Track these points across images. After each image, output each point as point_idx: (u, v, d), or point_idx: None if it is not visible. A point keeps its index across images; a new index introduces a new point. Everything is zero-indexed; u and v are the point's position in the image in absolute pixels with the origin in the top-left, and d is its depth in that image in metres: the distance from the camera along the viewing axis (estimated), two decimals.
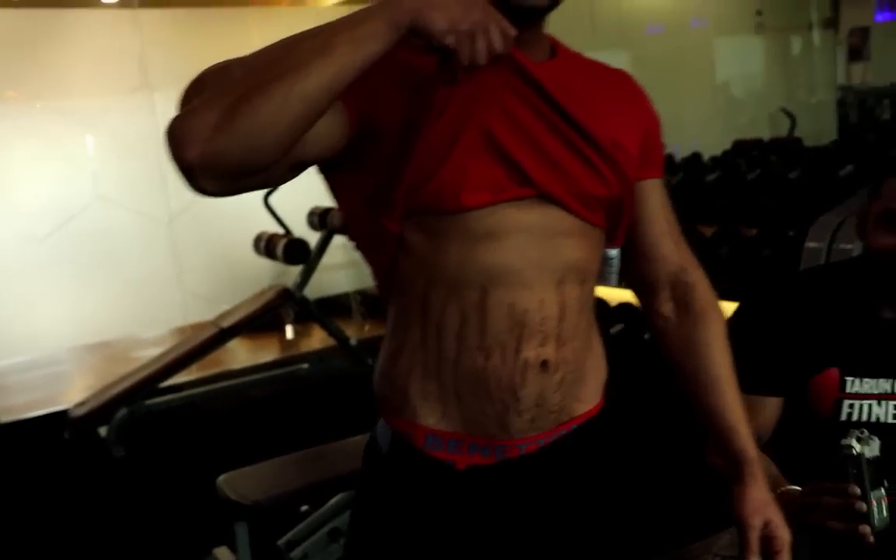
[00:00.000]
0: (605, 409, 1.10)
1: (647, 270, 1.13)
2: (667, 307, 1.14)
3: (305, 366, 4.09)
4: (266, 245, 4.19)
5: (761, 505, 1.07)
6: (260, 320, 3.97)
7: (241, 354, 4.60)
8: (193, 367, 4.03)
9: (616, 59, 7.50)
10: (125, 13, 5.06)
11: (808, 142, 5.54)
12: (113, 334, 5.81)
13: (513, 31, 0.86)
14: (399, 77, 0.93)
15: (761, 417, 1.43)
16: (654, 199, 1.11)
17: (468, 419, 0.99)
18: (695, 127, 7.16)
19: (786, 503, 1.24)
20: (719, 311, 1.14)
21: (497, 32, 0.84)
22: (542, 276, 0.96)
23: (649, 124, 1.10)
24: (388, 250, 0.98)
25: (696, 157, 5.01)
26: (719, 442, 1.12)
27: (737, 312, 1.55)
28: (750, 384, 1.44)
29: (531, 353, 0.96)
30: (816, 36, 7.94)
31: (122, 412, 3.72)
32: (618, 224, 1.04)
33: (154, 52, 4.85)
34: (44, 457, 3.73)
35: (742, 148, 5.42)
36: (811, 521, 1.21)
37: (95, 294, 5.59)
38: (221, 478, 2.38)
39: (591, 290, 1.04)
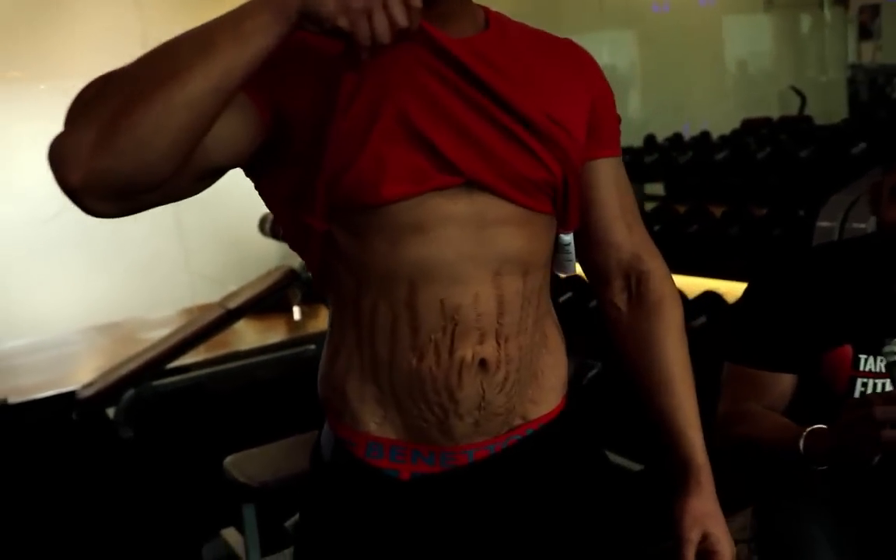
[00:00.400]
0: (566, 411, 1.03)
1: (598, 258, 1.06)
2: (619, 298, 1.07)
3: (313, 347, 4.08)
4: (272, 226, 4.18)
5: (702, 516, 0.99)
6: (267, 301, 3.95)
7: (248, 335, 4.59)
8: (201, 349, 4.03)
9: (623, 38, 7.45)
10: None
11: (819, 120, 5.49)
12: (121, 315, 5.82)
13: (418, 3, 0.79)
14: (311, 65, 0.87)
15: (774, 394, 1.41)
16: (606, 180, 1.02)
17: (409, 425, 0.93)
18: (703, 106, 7.11)
19: (815, 439, 1.23)
20: (676, 303, 1.07)
21: (398, 6, 0.77)
22: (476, 269, 0.90)
23: (598, 97, 1.01)
24: (316, 249, 0.93)
25: (704, 136, 4.98)
26: (667, 445, 1.05)
27: (749, 288, 1.52)
28: (762, 360, 1.42)
29: (467, 351, 0.90)
30: (827, 13, 7.84)
31: (130, 393, 3.72)
32: (566, 209, 0.97)
33: (156, 32, 4.82)
34: (52, 437, 3.74)
35: (751, 127, 5.37)
36: (854, 439, 1.18)
37: (103, 275, 5.60)
38: (229, 459, 2.38)
39: (540, 282, 0.97)
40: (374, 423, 0.94)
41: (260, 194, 0.95)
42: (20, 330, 5.79)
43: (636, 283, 1.05)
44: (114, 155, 0.73)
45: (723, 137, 4.96)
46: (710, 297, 3.76)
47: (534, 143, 0.90)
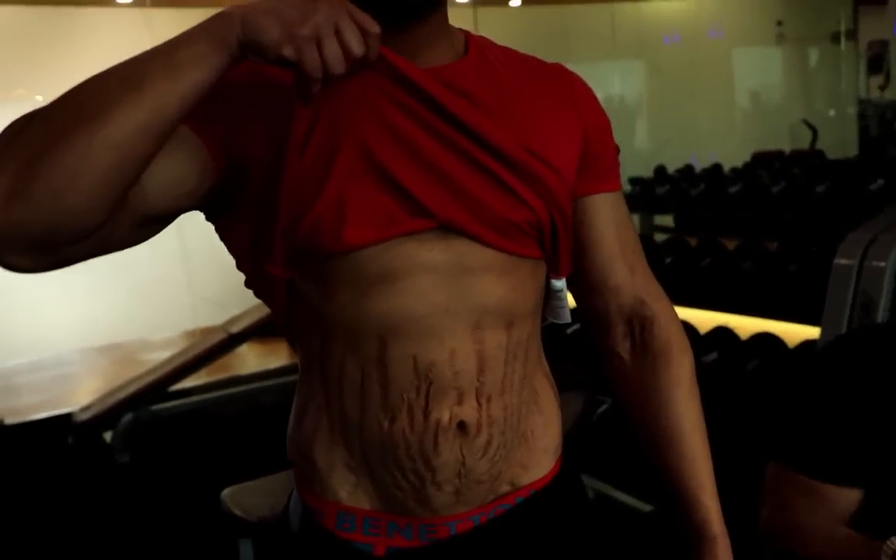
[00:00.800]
0: (561, 476, 0.93)
1: (597, 304, 0.96)
2: (621, 346, 0.96)
3: None
4: None
5: None
6: (270, 326, 3.89)
7: (250, 360, 4.53)
8: (202, 373, 3.96)
9: (634, 67, 7.43)
10: (137, 12, 5.02)
11: (831, 155, 5.44)
12: (122, 337, 5.77)
13: (375, 28, 0.71)
14: (263, 97, 0.79)
15: (836, 509, 1.18)
16: (604, 217, 0.92)
17: (383, 493, 0.84)
18: (713, 137, 7.07)
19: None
20: (684, 350, 0.96)
21: (352, 32, 0.69)
22: (453, 322, 0.81)
23: (592, 126, 0.90)
24: (281, 299, 0.84)
25: (716, 168, 4.93)
26: (678, 510, 0.94)
27: (804, 374, 1.30)
28: (824, 470, 1.18)
29: (444, 413, 0.81)
30: (839, 47, 7.82)
31: (128, 417, 3.65)
32: (556, 252, 0.87)
33: None
34: (48, 460, 3.67)
35: (762, 160, 5.33)
36: None
37: (105, 296, 5.55)
38: (226, 492, 2.30)
39: (528, 333, 0.87)
40: (345, 490, 0.85)
41: (221, 239, 0.86)
42: (20, 349, 5.74)
43: (640, 330, 0.96)
44: (30, 203, 0.64)
45: (735, 170, 4.91)
46: (722, 332, 3.69)
47: (512, 180, 0.81)
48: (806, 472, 1.20)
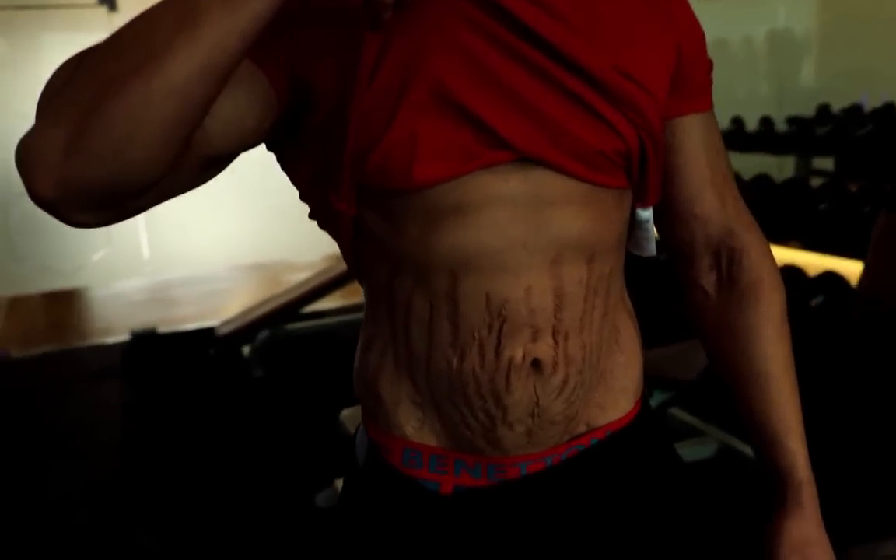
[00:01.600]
0: (640, 417, 0.87)
1: (683, 234, 0.88)
2: (707, 279, 0.89)
3: None
4: None
5: (802, 544, 0.84)
6: None
7: None
8: (336, 295, 4.08)
9: None
10: None
11: None
12: (268, 257, 6.04)
13: None
14: (330, 22, 0.73)
15: None
16: (694, 141, 0.85)
17: (451, 431, 0.80)
18: (888, 74, 6.45)
19: None
20: (775, 287, 0.88)
21: None
22: (530, 256, 0.74)
23: (686, 39, 0.82)
24: (346, 233, 0.79)
25: (888, 108, 4.49)
26: (763, 455, 0.88)
27: None
28: None
29: (517, 351, 0.76)
30: None
31: (264, 334, 3.82)
32: (644, 180, 0.80)
33: None
34: (192, 368, 3.91)
35: None
36: None
37: (252, 218, 5.82)
38: (345, 412, 2.36)
39: (611, 267, 0.81)
40: (411, 426, 0.81)
41: (283, 170, 0.82)
42: (173, 264, 6.13)
43: (727, 263, 0.88)
44: (88, 160, 0.60)
45: None
46: None
47: (601, 104, 0.73)
48: None
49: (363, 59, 0.70)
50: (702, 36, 0.84)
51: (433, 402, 0.80)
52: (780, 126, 4.72)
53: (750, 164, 4.59)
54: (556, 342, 0.77)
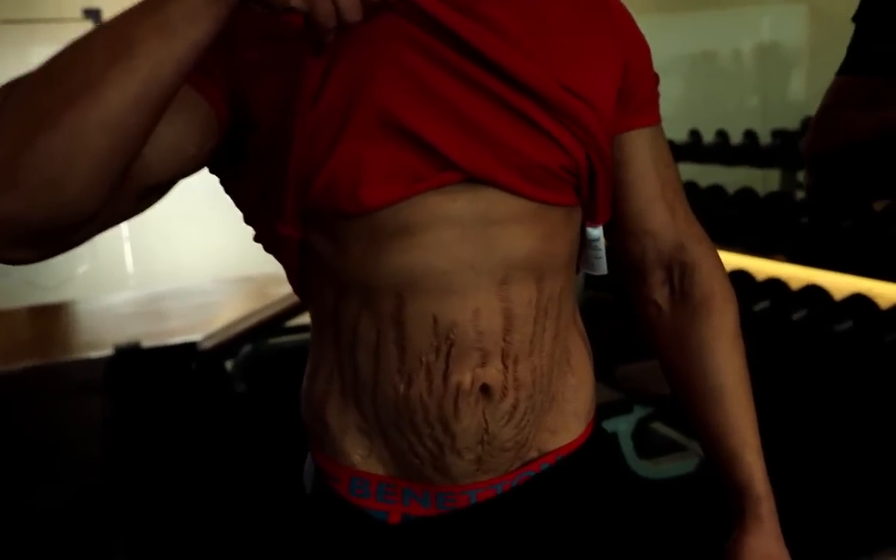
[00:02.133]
0: (591, 441, 0.86)
1: (633, 249, 0.87)
2: (659, 294, 0.89)
3: None
4: None
5: (762, 559, 0.82)
6: None
7: None
8: None
9: (793, 11, 6.90)
10: None
11: None
12: (254, 270, 6.02)
13: None
14: (269, 38, 0.71)
15: (888, 102, 1.04)
16: (641, 155, 0.84)
17: (398, 460, 0.79)
18: None
19: None
20: (728, 300, 0.87)
21: None
22: (477, 277, 0.73)
23: (631, 53, 0.81)
24: (291, 256, 0.77)
25: None
26: (720, 470, 0.87)
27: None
28: (882, 68, 1.06)
29: (465, 375, 0.74)
30: None
31: (247, 348, 3.79)
32: (593, 197, 0.79)
33: None
34: (175, 383, 3.88)
35: None
36: None
37: (237, 232, 5.78)
38: None
39: (561, 287, 0.79)
40: (359, 455, 0.80)
41: (227, 193, 0.80)
42: (159, 278, 6.12)
43: (679, 277, 0.87)
44: (21, 197, 0.57)
45: None
46: (859, 300, 3.40)
47: (547, 121, 0.72)
48: (867, 70, 1.08)
49: (306, 80, 0.69)
50: (647, 49, 0.83)
51: (380, 430, 0.79)
52: (765, 139, 4.73)
53: (735, 177, 4.59)
54: (505, 366, 0.76)
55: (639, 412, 2.69)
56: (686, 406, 0.89)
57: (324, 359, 0.81)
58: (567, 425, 0.83)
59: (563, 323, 0.81)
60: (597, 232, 0.82)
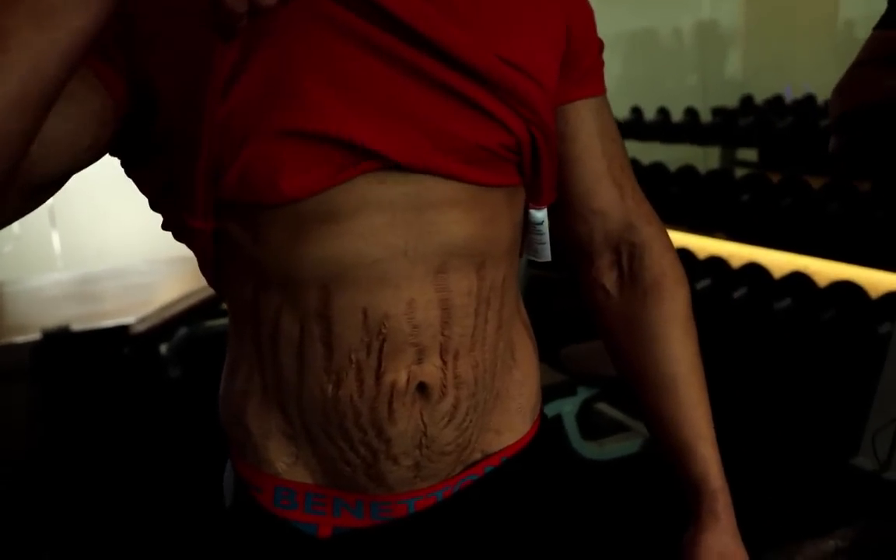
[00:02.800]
0: (538, 440, 0.81)
1: (580, 230, 0.82)
2: (607, 278, 0.83)
3: None
4: None
5: (719, 557, 0.79)
6: None
7: None
8: None
9: None
10: None
11: None
12: (188, 251, 5.86)
13: None
14: (176, 20, 0.63)
15: None
16: (586, 128, 0.78)
17: (328, 467, 0.72)
18: (809, 67, 6.60)
19: None
20: (679, 282, 0.83)
21: None
22: (411, 266, 0.67)
23: (574, 19, 0.75)
24: (204, 245, 0.70)
25: (809, 99, 4.56)
26: (673, 462, 0.83)
27: None
28: None
29: (400, 374, 0.68)
30: None
31: (182, 331, 3.67)
32: (537, 177, 0.73)
33: None
34: (106, 369, 3.74)
35: None
36: None
37: None
38: None
39: (503, 275, 0.74)
40: (283, 462, 0.73)
41: (128, 176, 0.73)
42: (89, 259, 5.90)
43: (629, 259, 0.82)
44: None
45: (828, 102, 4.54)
46: (798, 278, 3.44)
47: (485, 98, 0.66)
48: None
49: (215, 69, 0.61)
50: (591, 14, 0.78)
51: (307, 435, 0.72)
52: (705, 117, 4.76)
53: (676, 155, 4.61)
54: (444, 362, 0.69)
55: (583, 393, 2.67)
56: (636, 394, 0.85)
57: (242, 356, 0.74)
58: (512, 424, 0.78)
59: (507, 313, 0.76)
60: (541, 214, 0.77)
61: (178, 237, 0.73)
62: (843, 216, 3.26)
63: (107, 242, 5.98)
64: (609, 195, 0.80)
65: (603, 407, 3.03)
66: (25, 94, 0.52)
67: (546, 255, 0.79)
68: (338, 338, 0.67)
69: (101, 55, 0.62)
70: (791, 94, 5.00)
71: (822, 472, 2.66)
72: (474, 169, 0.68)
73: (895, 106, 0.94)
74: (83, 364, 3.82)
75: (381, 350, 0.67)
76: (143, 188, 0.72)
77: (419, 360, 0.68)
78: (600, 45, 0.79)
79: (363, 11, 0.63)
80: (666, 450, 0.83)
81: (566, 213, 0.82)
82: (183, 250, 0.73)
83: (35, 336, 4.31)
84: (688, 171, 4.13)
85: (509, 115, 0.68)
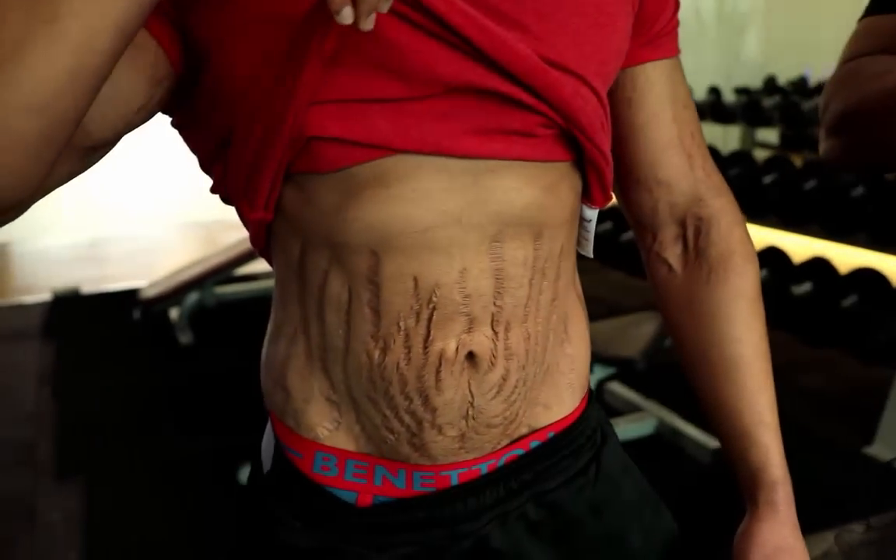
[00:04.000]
0: (586, 416, 0.77)
1: (644, 201, 0.77)
2: (671, 252, 0.79)
3: None
4: None
5: (775, 551, 0.73)
6: None
7: None
8: None
9: None
10: None
11: None
12: (203, 215, 5.83)
13: None
14: None
15: None
16: (656, 93, 0.74)
17: (370, 435, 0.69)
18: (832, 48, 6.50)
19: None
20: (749, 258, 0.78)
21: None
22: (465, 234, 0.63)
23: None
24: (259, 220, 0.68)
25: None
26: (731, 450, 0.78)
27: None
28: None
29: (449, 342, 0.64)
30: None
31: (193, 297, 3.65)
32: (585, 176, 0.70)
33: None
34: (116, 332, 3.72)
35: None
36: None
37: (185, 175, 5.60)
38: None
39: (562, 247, 0.70)
40: (325, 428, 0.71)
41: (179, 134, 0.70)
42: (100, 222, 5.88)
43: (694, 233, 0.78)
44: None
45: None
46: (819, 263, 3.39)
47: (525, 96, 0.62)
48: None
49: (315, 41, 0.57)
50: None
51: (351, 401, 0.69)
52: (729, 97, 4.69)
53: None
54: (495, 333, 0.66)
55: (599, 373, 2.63)
56: (694, 378, 0.80)
57: (287, 319, 0.71)
58: (561, 399, 0.74)
59: (562, 285, 0.71)
60: (591, 213, 0.73)
61: (226, 200, 0.70)
62: (867, 202, 3.20)
63: (118, 205, 5.96)
64: (677, 165, 0.76)
65: (618, 387, 2.99)
66: (79, 68, 0.50)
67: (589, 251, 0.76)
68: (386, 304, 0.64)
69: (156, 10, 0.58)
70: (812, 75, 4.92)
71: (836, 460, 2.62)
72: (526, 146, 0.64)
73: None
74: (93, 326, 3.81)
75: (430, 318, 0.64)
76: (195, 148, 0.69)
77: (469, 330, 0.65)
78: (676, 4, 0.74)
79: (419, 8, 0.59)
80: (724, 437, 0.78)
81: (631, 184, 0.78)
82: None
83: (43, 297, 4.30)
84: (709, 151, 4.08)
85: (548, 109, 0.64)
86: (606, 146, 0.69)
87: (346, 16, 0.50)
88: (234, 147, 0.64)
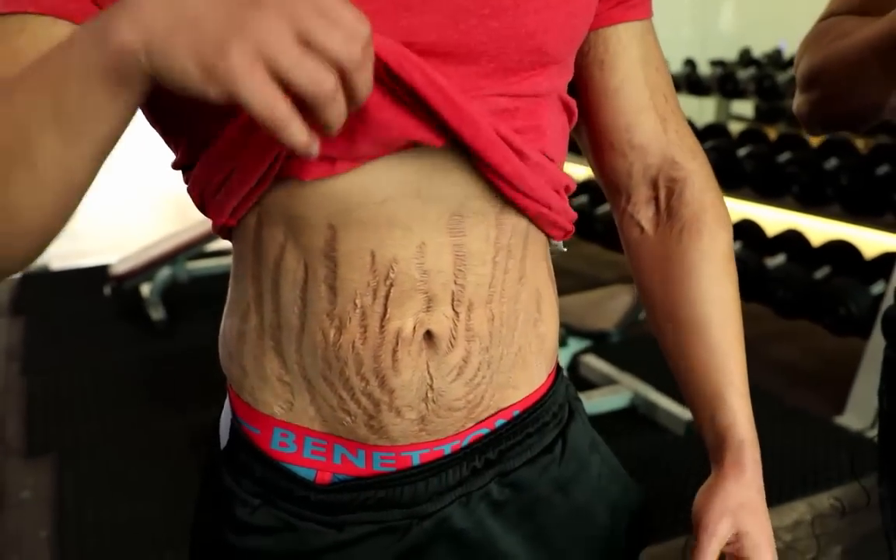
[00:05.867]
0: (552, 391, 0.76)
1: (618, 165, 0.76)
2: (643, 214, 0.77)
3: None
4: None
5: (737, 507, 0.71)
6: None
7: None
8: None
9: None
10: None
11: None
12: (176, 189, 5.76)
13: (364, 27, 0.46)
14: None
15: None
16: (629, 55, 0.72)
17: (326, 416, 0.67)
18: (809, 21, 6.50)
19: None
20: (720, 222, 0.76)
21: (335, 36, 0.44)
22: (425, 206, 0.61)
23: None
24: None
25: None
26: (699, 413, 0.76)
27: None
28: None
29: (406, 321, 0.62)
30: None
31: (166, 273, 3.60)
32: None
33: None
34: (86, 308, 3.67)
35: None
36: None
37: (158, 147, 5.51)
38: None
39: (527, 225, 0.68)
40: (282, 404, 0.69)
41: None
42: (84, 197, 5.78)
43: (666, 194, 0.76)
44: None
45: None
46: (793, 236, 3.41)
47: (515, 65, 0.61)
48: None
49: None
50: None
51: (305, 382, 0.66)
52: (705, 70, 4.68)
53: None
54: (455, 312, 0.64)
55: (573, 346, 2.63)
56: (665, 340, 0.78)
57: (241, 294, 0.68)
58: (529, 378, 0.73)
59: (531, 263, 0.69)
60: (559, 245, 0.72)
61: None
62: (840, 174, 3.22)
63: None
64: (651, 129, 0.74)
65: (593, 360, 3.00)
66: (61, 203, 0.52)
67: (559, 248, 0.74)
68: (342, 280, 0.62)
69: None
70: (787, 48, 4.92)
71: (808, 430, 2.65)
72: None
73: (870, 59, 0.86)
74: (62, 303, 3.75)
75: (387, 296, 0.62)
76: (171, 142, 0.67)
77: (428, 309, 0.63)
78: None
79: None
80: (693, 398, 0.76)
81: (603, 147, 0.76)
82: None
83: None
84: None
85: (537, 76, 0.63)
86: (555, 200, 0.67)
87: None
88: (204, 167, 0.63)
